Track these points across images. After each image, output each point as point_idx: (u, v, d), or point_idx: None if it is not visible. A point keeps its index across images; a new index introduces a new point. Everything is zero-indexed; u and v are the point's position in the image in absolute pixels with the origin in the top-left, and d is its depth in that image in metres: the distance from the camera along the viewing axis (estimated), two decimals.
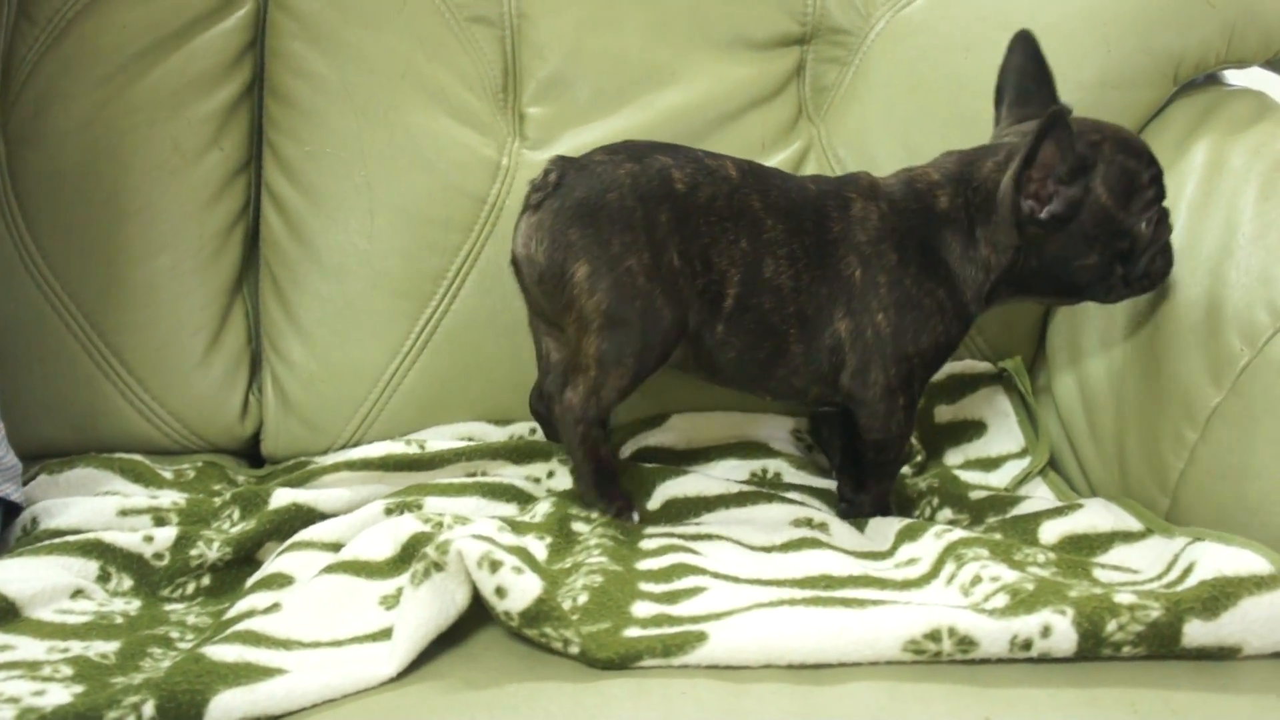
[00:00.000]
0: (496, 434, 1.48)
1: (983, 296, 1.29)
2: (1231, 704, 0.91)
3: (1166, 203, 1.26)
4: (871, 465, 1.32)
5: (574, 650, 0.95)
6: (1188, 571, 1.00)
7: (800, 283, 1.27)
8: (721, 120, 1.56)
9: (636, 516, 1.27)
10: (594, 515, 1.24)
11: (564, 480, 1.37)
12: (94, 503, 1.29)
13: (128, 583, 1.18)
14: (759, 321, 1.27)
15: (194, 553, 1.20)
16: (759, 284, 1.26)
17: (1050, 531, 1.18)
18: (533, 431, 1.49)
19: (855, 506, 1.34)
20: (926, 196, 1.29)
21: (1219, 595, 0.96)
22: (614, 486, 1.28)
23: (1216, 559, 0.99)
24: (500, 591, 0.97)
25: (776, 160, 1.55)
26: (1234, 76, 1.53)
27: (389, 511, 1.26)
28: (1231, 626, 0.95)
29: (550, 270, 1.24)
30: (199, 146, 1.52)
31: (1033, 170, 1.21)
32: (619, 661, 0.94)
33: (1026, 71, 1.34)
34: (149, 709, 0.88)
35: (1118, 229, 1.24)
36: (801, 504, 1.29)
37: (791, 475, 1.42)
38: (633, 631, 0.98)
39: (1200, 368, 1.21)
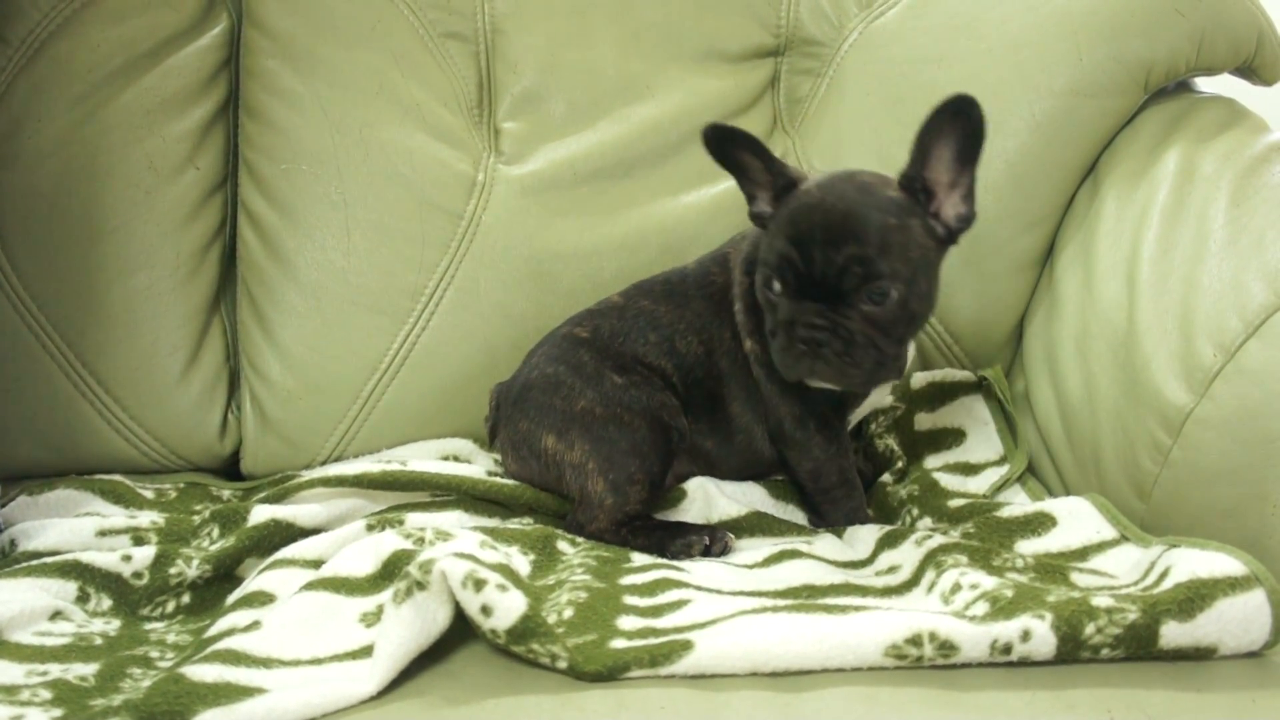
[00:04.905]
0: (478, 455, 1.48)
1: None
2: (1208, 703, 0.92)
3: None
4: (816, 495, 1.33)
5: (562, 665, 0.96)
6: (1164, 575, 1.01)
7: (711, 344, 1.34)
8: (696, 132, 1.55)
9: (731, 536, 1.26)
10: (579, 539, 1.25)
11: None
12: (72, 524, 1.28)
13: (107, 603, 1.17)
14: (706, 394, 1.34)
15: (173, 571, 1.20)
16: (684, 362, 1.34)
17: (1027, 548, 1.18)
18: None
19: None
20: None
21: (1194, 597, 0.97)
22: (684, 532, 1.26)
23: (1192, 562, 1.00)
24: (486, 610, 0.97)
25: None
26: (1204, 84, 1.54)
27: (370, 528, 1.25)
28: (1207, 627, 0.96)
29: (524, 472, 1.34)
30: (174, 165, 1.52)
31: None
32: (607, 673, 0.95)
33: None
34: None
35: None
36: (783, 536, 1.30)
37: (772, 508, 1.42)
38: (619, 643, 0.98)
39: (1174, 373, 1.21)
